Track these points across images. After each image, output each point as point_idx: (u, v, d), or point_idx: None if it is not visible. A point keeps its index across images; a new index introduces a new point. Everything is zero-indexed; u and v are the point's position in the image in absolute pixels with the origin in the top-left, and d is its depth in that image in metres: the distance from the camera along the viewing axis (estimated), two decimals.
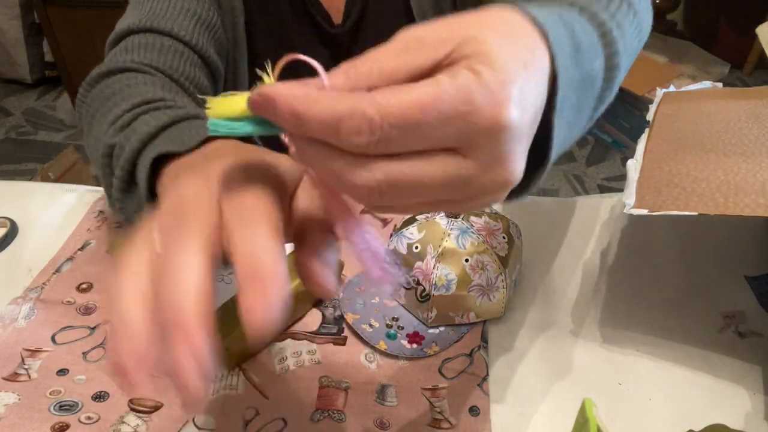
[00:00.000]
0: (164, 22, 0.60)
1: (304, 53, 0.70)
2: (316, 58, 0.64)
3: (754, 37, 0.71)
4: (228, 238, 0.27)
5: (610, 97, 0.41)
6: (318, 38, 0.76)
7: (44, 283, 0.62)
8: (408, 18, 0.74)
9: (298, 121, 0.25)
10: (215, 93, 0.71)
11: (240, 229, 0.27)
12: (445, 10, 0.73)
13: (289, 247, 0.62)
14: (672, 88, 0.69)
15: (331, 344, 0.56)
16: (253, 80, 0.78)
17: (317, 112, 0.24)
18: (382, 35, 0.57)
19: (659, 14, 2.37)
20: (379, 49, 0.27)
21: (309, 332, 0.57)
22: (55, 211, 0.72)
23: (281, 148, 0.31)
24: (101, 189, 0.73)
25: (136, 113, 0.45)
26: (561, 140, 0.33)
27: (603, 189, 2.00)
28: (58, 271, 0.64)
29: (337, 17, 0.75)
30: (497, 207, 0.71)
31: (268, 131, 0.27)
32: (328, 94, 0.25)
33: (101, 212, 0.71)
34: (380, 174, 0.25)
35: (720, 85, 0.69)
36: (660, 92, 0.68)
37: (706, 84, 0.69)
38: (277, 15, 0.74)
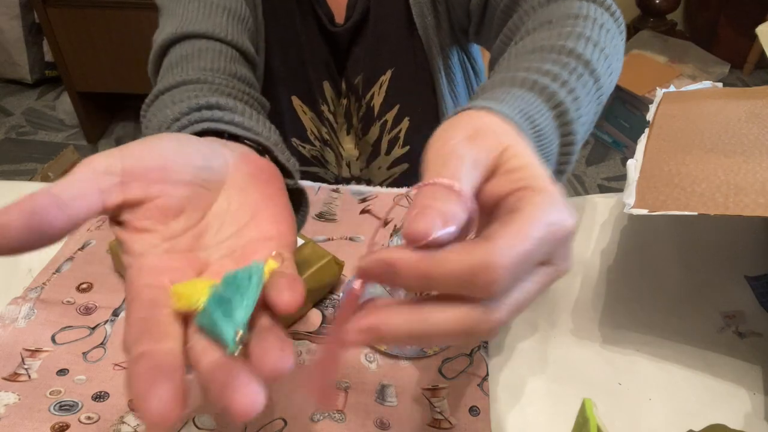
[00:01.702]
0: (198, 25, 0.60)
1: (307, 48, 0.72)
2: (318, 54, 0.67)
3: (754, 37, 0.71)
4: None
5: (568, 165, 0.44)
6: (320, 35, 0.76)
7: (44, 283, 0.62)
8: (408, 22, 0.75)
9: (426, 281, 0.27)
10: (259, 81, 0.70)
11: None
12: (441, 12, 0.74)
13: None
14: (672, 88, 0.69)
15: None
16: (268, 68, 0.78)
17: (448, 270, 0.26)
18: (382, 38, 0.58)
19: (659, 14, 2.37)
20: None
21: (309, 332, 0.57)
22: None
23: None
24: None
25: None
26: None
27: (603, 189, 2.00)
28: (58, 271, 0.64)
29: (340, 16, 0.75)
30: None
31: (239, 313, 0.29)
32: (448, 254, 0.27)
33: None
34: (507, 307, 0.28)
35: (720, 85, 0.69)
36: (660, 92, 0.68)
37: (706, 84, 0.69)
38: (284, 8, 0.75)
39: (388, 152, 0.84)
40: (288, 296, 0.29)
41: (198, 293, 0.30)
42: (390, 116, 0.81)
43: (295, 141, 0.82)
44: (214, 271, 0.33)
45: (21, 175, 2.08)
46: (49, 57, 2.41)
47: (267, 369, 0.26)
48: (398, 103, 0.80)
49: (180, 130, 0.43)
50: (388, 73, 0.79)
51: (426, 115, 0.82)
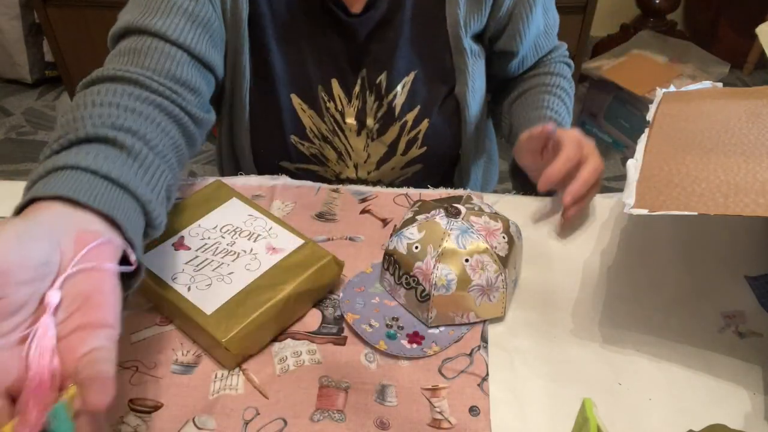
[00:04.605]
0: (155, 22, 0.62)
1: (313, 44, 0.76)
2: (327, 49, 0.85)
3: (754, 37, 0.71)
4: None
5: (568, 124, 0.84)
6: (330, 28, 0.75)
7: None
8: (441, 19, 0.75)
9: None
10: (216, 88, 0.71)
11: None
12: (476, 14, 0.76)
13: (296, 241, 0.62)
14: (672, 88, 0.69)
15: (331, 344, 0.56)
16: (268, 67, 0.78)
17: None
18: (414, 37, 0.73)
19: (659, 14, 2.37)
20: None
21: (309, 332, 0.57)
22: None
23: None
24: None
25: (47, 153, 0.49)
26: None
27: (603, 189, 1.99)
28: None
29: (356, 6, 0.73)
30: (497, 207, 0.71)
31: None
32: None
33: None
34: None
35: (720, 85, 0.69)
36: (660, 92, 0.68)
37: (706, 84, 0.69)
38: (287, 4, 0.74)
39: (404, 152, 0.83)
40: (93, 402, 0.33)
41: None
42: (411, 117, 0.80)
43: (294, 138, 0.81)
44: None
45: (21, 175, 2.08)
46: (49, 57, 2.41)
47: None
48: (419, 104, 0.79)
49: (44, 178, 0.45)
50: (412, 75, 0.78)
51: (446, 117, 0.81)
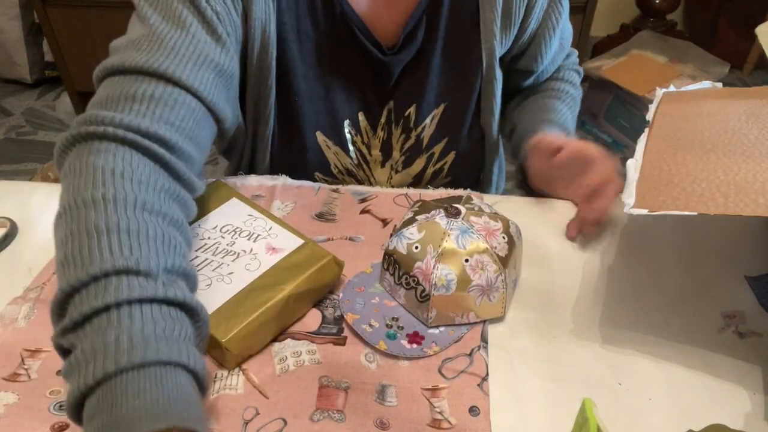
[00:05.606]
0: (186, 73, 0.57)
1: (344, 78, 0.80)
2: (356, 85, 0.80)
3: (754, 37, 0.71)
4: None
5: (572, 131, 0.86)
6: (364, 63, 0.73)
7: (44, 283, 0.62)
8: (475, 50, 0.74)
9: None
10: (217, 138, 0.66)
11: None
12: (504, 37, 0.75)
13: (296, 241, 0.61)
14: (672, 88, 0.69)
15: (331, 344, 0.56)
16: (293, 109, 0.75)
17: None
18: (446, 69, 0.76)
19: (659, 14, 2.37)
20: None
21: (309, 332, 0.57)
22: (55, 211, 0.72)
23: None
24: None
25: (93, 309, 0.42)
26: None
27: None
28: None
29: (389, 40, 0.72)
30: (497, 207, 0.71)
31: None
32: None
33: None
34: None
35: (720, 85, 0.69)
36: (660, 92, 0.68)
37: (706, 84, 0.69)
38: (314, 42, 0.71)
39: (430, 182, 0.82)
40: None
41: None
42: (438, 149, 0.79)
43: (318, 175, 0.79)
44: None
45: (21, 175, 2.08)
46: (49, 57, 2.41)
47: None
48: (447, 135, 0.79)
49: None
50: (442, 107, 0.77)
51: (471, 145, 0.81)
